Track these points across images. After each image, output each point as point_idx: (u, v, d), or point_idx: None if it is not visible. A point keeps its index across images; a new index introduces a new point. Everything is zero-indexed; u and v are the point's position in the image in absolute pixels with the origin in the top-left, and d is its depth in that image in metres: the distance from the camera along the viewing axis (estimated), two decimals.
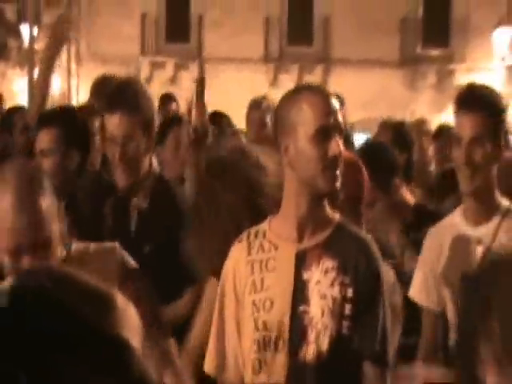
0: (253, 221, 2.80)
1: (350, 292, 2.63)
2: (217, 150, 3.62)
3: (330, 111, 2.66)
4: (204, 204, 3.02)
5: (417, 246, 3.56)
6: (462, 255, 3.08)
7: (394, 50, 24.34)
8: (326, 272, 2.64)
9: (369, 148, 3.98)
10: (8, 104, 7.57)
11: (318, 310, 2.61)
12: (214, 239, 2.92)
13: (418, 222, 3.66)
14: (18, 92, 20.63)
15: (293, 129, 2.65)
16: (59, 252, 2.43)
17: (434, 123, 7.32)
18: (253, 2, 23.84)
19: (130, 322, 1.22)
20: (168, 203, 3.54)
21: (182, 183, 4.52)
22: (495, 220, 3.08)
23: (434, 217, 3.61)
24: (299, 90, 2.77)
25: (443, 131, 6.04)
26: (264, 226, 2.74)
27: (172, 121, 5.35)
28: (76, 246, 2.55)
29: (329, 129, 2.65)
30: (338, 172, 2.64)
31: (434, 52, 24.62)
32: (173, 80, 23.93)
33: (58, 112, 4.00)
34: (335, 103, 2.71)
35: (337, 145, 2.65)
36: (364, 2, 23.66)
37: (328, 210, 2.71)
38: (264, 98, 6.04)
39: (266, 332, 2.62)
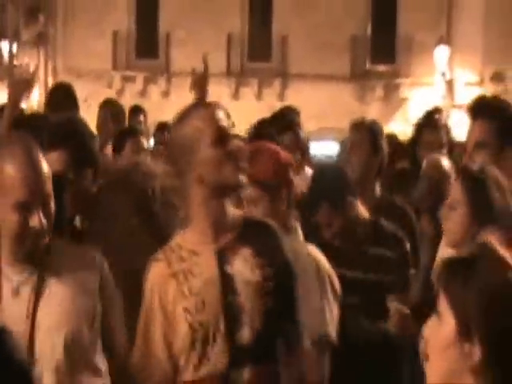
0: (145, 222, 2.86)
1: (268, 271, 2.70)
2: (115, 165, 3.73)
3: (219, 118, 2.72)
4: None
5: (377, 261, 3.57)
6: None
7: (344, 65, 24.44)
8: (245, 260, 2.71)
9: (321, 169, 3.94)
10: None
11: (245, 296, 2.67)
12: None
13: (375, 237, 3.65)
14: None
15: (192, 145, 2.69)
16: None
17: None
18: (216, 22, 23.82)
19: None
20: None
21: None
22: None
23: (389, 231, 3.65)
24: (185, 113, 2.80)
25: (390, 140, 6.02)
26: (176, 240, 2.78)
27: (128, 132, 5.48)
28: (58, 241, 2.57)
29: (224, 133, 2.70)
30: (241, 165, 2.70)
31: (381, 68, 24.76)
32: (142, 93, 23.85)
33: (65, 133, 3.65)
34: (222, 113, 2.76)
35: (234, 142, 2.71)
36: (318, 22, 23.75)
37: (233, 209, 2.77)
38: (212, 103, 6.02)
39: (203, 330, 2.65)
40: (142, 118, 6.97)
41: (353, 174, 4.01)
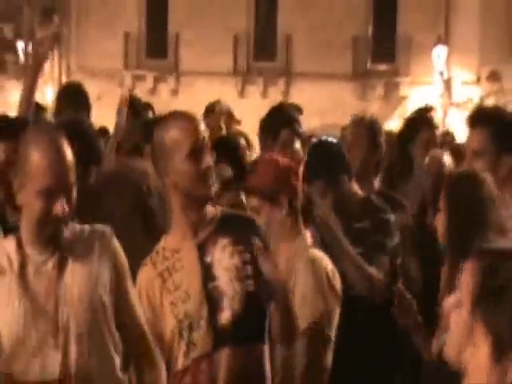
0: (143, 219, 2.89)
1: (247, 256, 2.74)
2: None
3: (198, 132, 2.74)
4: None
5: (361, 235, 3.57)
6: None
7: (346, 64, 24.41)
8: (224, 249, 2.75)
9: (320, 146, 3.92)
10: (4, 111, 7.48)
11: (225, 281, 2.72)
12: None
13: (362, 213, 3.65)
14: (15, 102, 20.42)
15: (169, 153, 2.72)
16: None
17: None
18: (223, 23, 23.80)
19: None
20: None
21: None
22: None
23: (379, 206, 3.64)
24: (168, 119, 2.82)
25: (389, 140, 5.90)
26: (161, 243, 2.84)
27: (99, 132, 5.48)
28: (75, 224, 2.59)
29: (199, 147, 2.72)
30: (211, 180, 2.74)
31: (382, 67, 24.72)
32: (152, 91, 23.84)
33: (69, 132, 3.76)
34: (202, 124, 2.79)
35: (208, 159, 2.74)
36: (321, 22, 23.71)
37: (211, 206, 2.82)
38: (217, 102, 5.84)
39: (189, 319, 2.70)
40: (151, 114, 6.98)
41: (352, 169, 4.00)
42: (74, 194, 2.47)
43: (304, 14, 23.81)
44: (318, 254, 3.22)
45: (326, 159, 3.72)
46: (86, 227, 2.58)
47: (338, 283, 3.20)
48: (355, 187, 3.75)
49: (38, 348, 2.44)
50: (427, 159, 4.59)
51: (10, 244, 2.52)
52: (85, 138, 3.45)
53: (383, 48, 24.53)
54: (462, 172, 3.12)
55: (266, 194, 3.16)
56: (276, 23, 24.83)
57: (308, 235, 3.28)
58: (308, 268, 3.12)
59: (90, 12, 24.22)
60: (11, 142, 3.53)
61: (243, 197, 3.72)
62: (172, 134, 2.73)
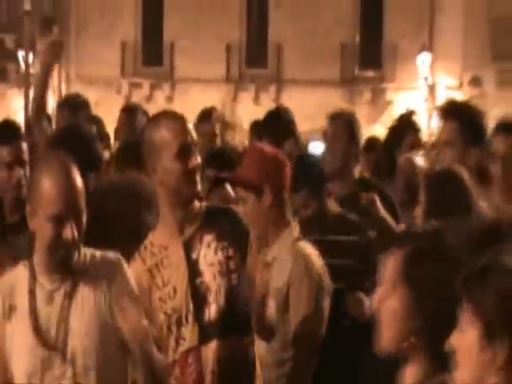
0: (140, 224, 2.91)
1: (230, 251, 2.74)
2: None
3: (186, 132, 2.72)
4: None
5: (339, 247, 3.54)
6: None
7: (335, 71, 24.43)
8: (209, 245, 2.75)
9: (301, 159, 3.90)
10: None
11: (210, 277, 2.72)
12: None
13: (338, 227, 3.63)
14: (17, 109, 20.41)
15: (157, 152, 2.71)
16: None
17: (368, 133, 7.37)
18: (216, 32, 23.80)
19: None
20: None
21: None
22: None
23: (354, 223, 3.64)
24: (158, 118, 2.81)
25: (375, 144, 5.70)
26: (149, 239, 2.82)
27: None
28: (86, 250, 2.56)
29: (187, 147, 2.70)
30: (197, 179, 2.72)
31: (369, 73, 24.76)
32: (148, 98, 23.83)
33: (69, 138, 3.57)
34: (189, 125, 2.78)
35: (195, 158, 2.72)
36: (310, 31, 23.74)
37: (196, 202, 2.79)
38: (214, 109, 5.73)
39: (177, 314, 2.70)
40: (144, 120, 6.90)
41: (335, 160, 4.01)
42: (84, 219, 2.46)
43: (293, 23, 23.83)
44: (307, 248, 3.13)
45: (310, 171, 3.70)
46: (98, 254, 2.55)
47: (327, 278, 3.14)
48: (331, 203, 3.75)
49: (47, 381, 2.44)
50: (400, 161, 4.59)
51: (21, 273, 2.51)
52: (82, 144, 3.42)
53: (370, 55, 24.57)
54: (441, 168, 3.11)
55: (251, 184, 3.08)
56: (267, 33, 24.85)
57: (297, 228, 3.17)
58: (296, 263, 3.06)
59: (89, 23, 24.19)
60: (15, 145, 3.52)
61: (231, 190, 3.71)
62: (161, 134, 2.71)
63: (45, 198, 2.42)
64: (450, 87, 23.58)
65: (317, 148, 11.11)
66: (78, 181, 2.46)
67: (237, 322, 2.73)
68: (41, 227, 2.44)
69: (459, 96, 23.36)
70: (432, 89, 23.70)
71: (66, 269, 2.47)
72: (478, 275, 1.67)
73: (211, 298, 2.70)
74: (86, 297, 2.47)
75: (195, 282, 2.71)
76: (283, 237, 3.12)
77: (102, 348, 2.46)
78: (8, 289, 2.51)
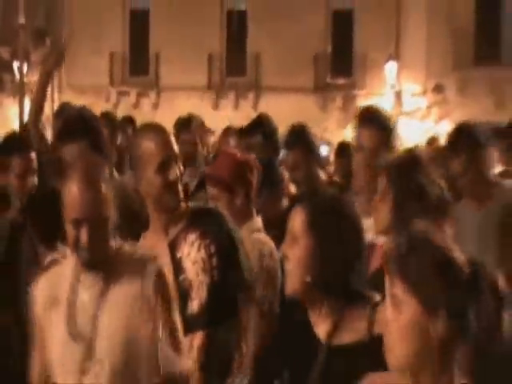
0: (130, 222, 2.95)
1: (213, 248, 2.73)
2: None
3: (167, 146, 2.72)
4: None
5: None
6: None
7: (309, 79, 24.48)
8: (192, 243, 2.75)
9: (268, 163, 3.91)
10: (2, 126, 7.42)
11: (193, 273, 2.72)
12: None
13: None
14: (12, 117, 20.27)
15: (142, 164, 2.72)
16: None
17: (340, 137, 7.40)
18: (198, 43, 23.77)
19: None
20: None
21: None
22: None
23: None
24: (142, 133, 2.81)
25: (346, 149, 5.71)
26: (141, 240, 2.84)
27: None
28: (122, 243, 2.51)
29: (168, 160, 2.71)
30: (179, 189, 2.72)
31: (340, 81, 24.82)
32: (135, 105, 23.76)
33: (82, 125, 3.52)
34: (171, 138, 2.76)
35: (174, 171, 2.72)
36: (286, 42, 23.76)
37: (183, 205, 2.78)
38: (192, 117, 5.62)
39: None
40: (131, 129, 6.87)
41: (300, 187, 4.04)
42: (106, 224, 2.40)
43: (270, 35, 23.86)
44: (262, 237, 3.21)
45: (271, 174, 3.73)
46: (137, 253, 2.48)
47: (276, 264, 3.15)
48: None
49: (75, 375, 2.39)
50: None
51: (68, 266, 2.48)
52: (97, 132, 3.39)
53: (341, 64, 24.64)
54: (402, 157, 2.93)
55: (224, 185, 3.15)
56: (246, 44, 24.85)
57: (259, 221, 3.26)
58: (252, 252, 3.07)
59: (79, 34, 24.07)
60: (25, 155, 3.51)
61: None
62: (144, 148, 2.71)
63: (69, 202, 2.39)
64: (415, 94, 23.71)
65: None
66: (102, 188, 2.39)
67: (220, 315, 2.74)
68: (67, 230, 2.42)
69: (423, 102, 23.56)
70: (398, 95, 23.81)
71: (95, 268, 2.41)
72: (407, 254, 1.62)
73: (193, 293, 2.71)
74: (116, 298, 2.40)
75: (179, 279, 2.73)
76: (244, 228, 3.16)
77: (128, 350, 2.37)
78: (55, 280, 2.47)
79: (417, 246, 1.63)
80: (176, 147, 2.74)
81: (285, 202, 3.77)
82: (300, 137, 4.38)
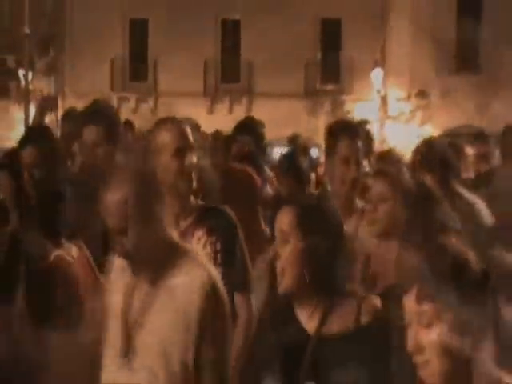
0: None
1: (218, 246, 2.72)
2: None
3: (184, 135, 2.71)
4: None
5: None
6: None
7: (299, 85, 24.51)
8: (199, 239, 2.74)
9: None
10: (8, 131, 7.44)
11: None
12: None
13: None
14: (17, 122, 20.23)
15: (158, 152, 2.71)
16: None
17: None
18: (194, 51, 23.77)
19: None
20: None
21: None
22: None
23: None
24: (160, 123, 2.80)
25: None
26: None
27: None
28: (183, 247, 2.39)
29: (184, 147, 2.70)
30: (193, 177, 2.71)
31: (329, 87, 24.86)
32: (135, 110, 23.73)
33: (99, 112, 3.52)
34: (188, 129, 2.75)
35: (190, 159, 2.70)
36: (277, 50, 23.78)
37: (193, 200, 2.77)
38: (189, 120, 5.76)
39: None
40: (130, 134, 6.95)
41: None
42: (131, 231, 2.25)
43: (263, 43, 23.88)
44: None
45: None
46: (187, 262, 2.30)
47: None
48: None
49: (117, 363, 2.27)
50: None
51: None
52: (112, 117, 3.42)
53: (330, 71, 24.69)
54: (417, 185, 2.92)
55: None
56: (239, 51, 24.87)
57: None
58: None
59: (81, 43, 24.05)
60: (37, 147, 3.53)
61: None
62: (161, 136, 2.71)
63: (103, 209, 2.29)
64: (400, 99, 23.78)
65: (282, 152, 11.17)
66: (123, 196, 2.23)
67: None
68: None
69: (407, 106, 23.62)
70: (384, 100, 23.85)
71: (143, 269, 2.28)
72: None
73: None
74: (161, 300, 2.26)
75: None
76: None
77: (165, 354, 2.21)
78: (120, 270, 2.37)
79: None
80: (192, 138, 2.73)
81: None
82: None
